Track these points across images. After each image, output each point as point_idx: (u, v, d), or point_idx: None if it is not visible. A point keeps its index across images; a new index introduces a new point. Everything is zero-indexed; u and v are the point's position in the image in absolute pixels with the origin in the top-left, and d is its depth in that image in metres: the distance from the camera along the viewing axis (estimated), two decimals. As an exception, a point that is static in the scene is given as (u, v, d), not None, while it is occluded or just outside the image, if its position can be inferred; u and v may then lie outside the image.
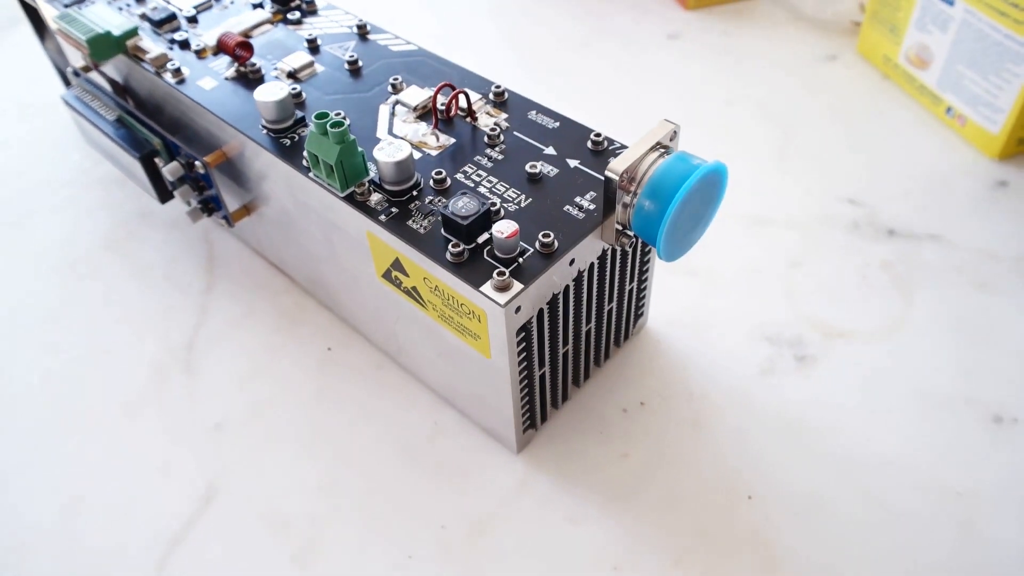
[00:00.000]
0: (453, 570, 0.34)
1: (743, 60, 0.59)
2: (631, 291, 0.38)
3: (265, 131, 0.37)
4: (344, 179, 0.33)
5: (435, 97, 0.36)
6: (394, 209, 0.33)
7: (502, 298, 0.29)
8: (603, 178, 0.30)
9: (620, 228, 0.31)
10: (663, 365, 0.41)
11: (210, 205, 0.44)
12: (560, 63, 0.60)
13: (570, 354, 0.36)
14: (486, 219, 0.31)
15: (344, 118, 0.32)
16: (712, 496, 0.36)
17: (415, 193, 0.33)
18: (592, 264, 0.33)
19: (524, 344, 0.32)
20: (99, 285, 0.47)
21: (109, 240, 0.49)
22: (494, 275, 0.29)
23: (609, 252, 0.34)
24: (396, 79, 0.39)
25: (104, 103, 0.45)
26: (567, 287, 0.32)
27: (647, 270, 0.38)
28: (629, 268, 0.36)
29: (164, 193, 0.44)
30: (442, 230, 0.32)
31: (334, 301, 0.43)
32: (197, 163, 0.41)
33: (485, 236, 0.31)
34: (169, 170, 0.42)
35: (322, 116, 0.33)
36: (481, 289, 0.29)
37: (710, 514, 0.35)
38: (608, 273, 0.35)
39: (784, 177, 0.50)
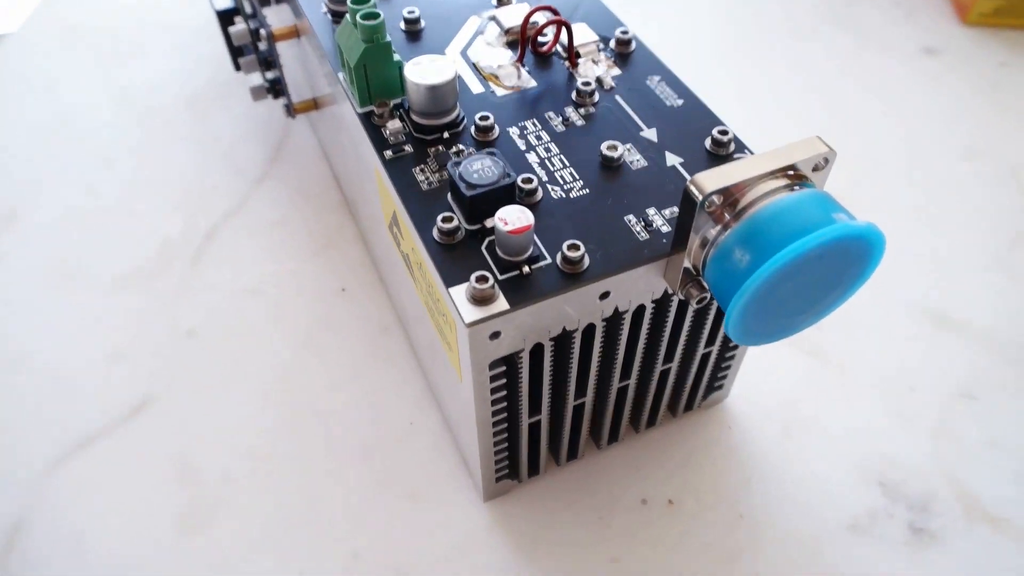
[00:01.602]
0: (342, 617, 0.26)
1: (1013, 105, 0.44)
2: (706, 356, 0.28)
3: (326, 11, 0.29)
4: (366, 90, 0.25)
5: (526, 21, 0.26)
6: (408, 148, 0.24)
7: (471, 313, 0.20)
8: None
9: (691, 271, 0.21)
10: (721, 462, 0.30)
11: (277, 87, 0.38)
12: (769, 46, 0.48)
13: (587, 408, 0.26)
14: (506, 196, 0.22)
15: (374, 8, 0.23)
16: (707, 672, 0.25)
17: (446, 135, 0.25)
18: (643, 307, 0.23)
19: (506, 381, 0.23)
20: (163, 140, 0.43)
21: (195, 98, 0.45)
22: (472, 278, 0.20)
23: (676, 299, 0.23)
24: (505, -12, 0.30)
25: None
26: (592, 327, 0.22)
27: (738, 336, 0.27)
28: (709, 328, 0.26)
29: (237, 59, 0.38)
30: (448, 195, 0.23)
31: (365, 235, 0.36)
32: (262, 31, 0.34)
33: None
34: (235, 33, 0.35)
35: (359, 1, 0.24)
36: (450, 290, 0.20)
37: None
38: (670, 326, 0.24)
39: (1003, 274, 0.36)
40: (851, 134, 0.42)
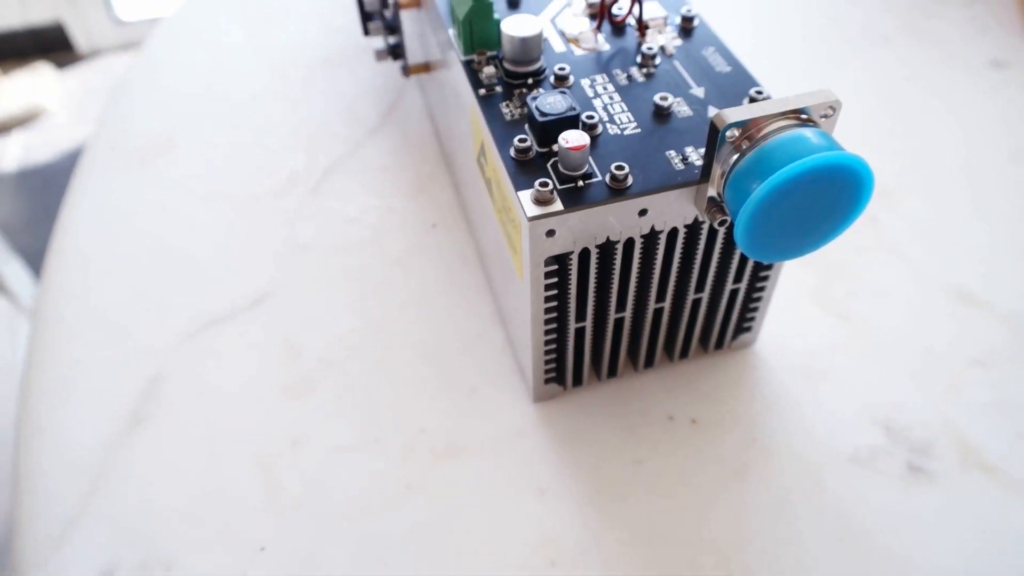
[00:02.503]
0: (402, 474, 0.32)
1: (1075, 117, 0.46)
2: (735, 293, 0.32)
3: (442, -18, 0.35)
4: (470, 41, 0.31)
5: (606, -6, 0.31)
6: (498, 88, 0.30)
7: (532, 210, 0.25)
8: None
9: (715, 199, 0.26)
10: (743, 395, 0.34)
11: (397, 50, 0.44)
12: (842, 49, 0.51)
13: (626, 325, 0.31)
14: (571, 125, 0.27)
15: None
16: (698, 557, 0.29)
17: (531, 82, 0.30)
18: (676, 231, 0.28)
19: (557, 281, 0.28)
20: (296, 93, 0.50)
21: (327, 60, 0.52)
22: (535, 184, 0.25)
23: (706, 228, 0.28)
24: (596, -29, 0.35)
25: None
26: (631, 240, 0.27)
27: (766, 278, 0.31)
28: (736, 263, 0.30)
29: (367, 24, 0.45)
30: (526, 124, 0.28)
31: (457, 184, 0.42)
32: (390, 0, 0.41)
33: (563, 145, 0.27)
34: (368, 1, 0.42)
35: (472, -33, 0.30)
36: (519, 192, 0.26)
37: (680, 573, 0.29)
38: (700, 253, 0.29)
39: (1037, 264, 0.38)
40: (908, 135, 0.45)
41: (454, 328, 0.37)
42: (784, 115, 0.24)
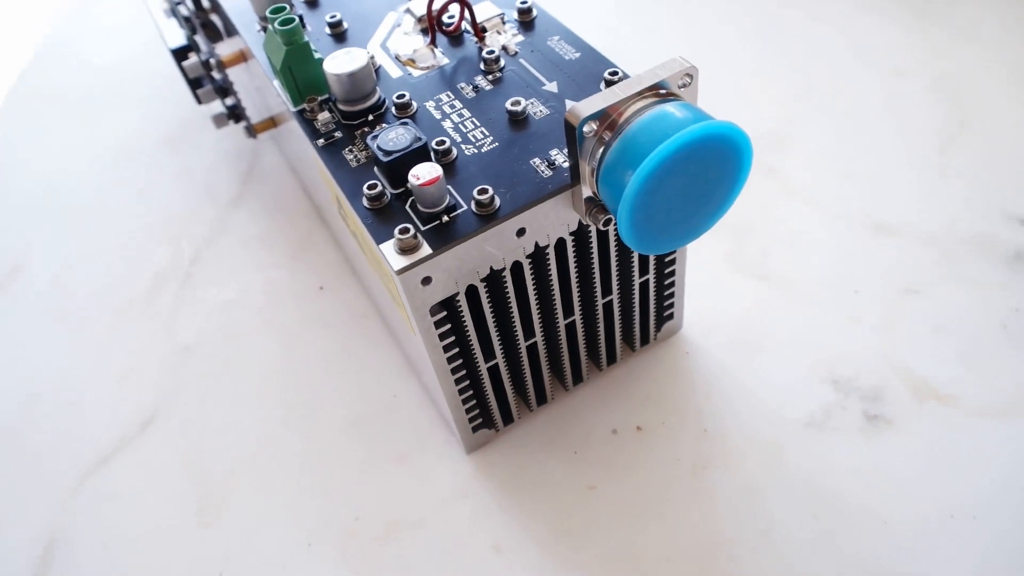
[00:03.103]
0: (348, 570, 0.29)
1: (937, 21, 0.46)
2: (645, 286, 0.30)
3: (259, 28, 0.32)
4: (295, 90, 0.28)
5: (429, 7, 0.29)
6: (338, 133, 0.27)
7: (398, 261, 0.22)
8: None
9: (593, 198, 0.23)
10: (683, 386, 0.32)
11: (236, 111, 0.41)
12: None
13: (540, 348, 0.29)
14: (420, 158, 0.24)
15: (290, 15, 0.26)
16: (683, 568, 0.27)
17: (371, 118, 0.27)
18: (563, 241, 0.25)
19: (451, 326, 0.25)
20: (145, 179, 0.46)
21: (169, 137, 0.48)
22: (395, 232, 0.22)
23: (594, 231, 0.26)
24: (416, -17, 0.32)
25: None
26: (518, 264, 0.25)
27: (672, 260, 0.29)
28: (636, 256, 0.28)
29: (196, 91, 0.41)
30: (374, 167, 0.25)
31: (335, 235, 0.39)
32: (212, 61, 0.37)
33: (418, 181, 0.24)
34: (188, 66, 0.38)
35: (276, 10, 0.27)
36: (380, 246, 0.23)
37: (675, 593, 0.27)
38: (596, 257, 0.26)
39: (937, 177, 0.37)
40: (790, 72, 0.44)
41: (367, 394, 0.34)
42: (641, 95, 0.21)
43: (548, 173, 0.24)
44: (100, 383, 0.36)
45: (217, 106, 0.41)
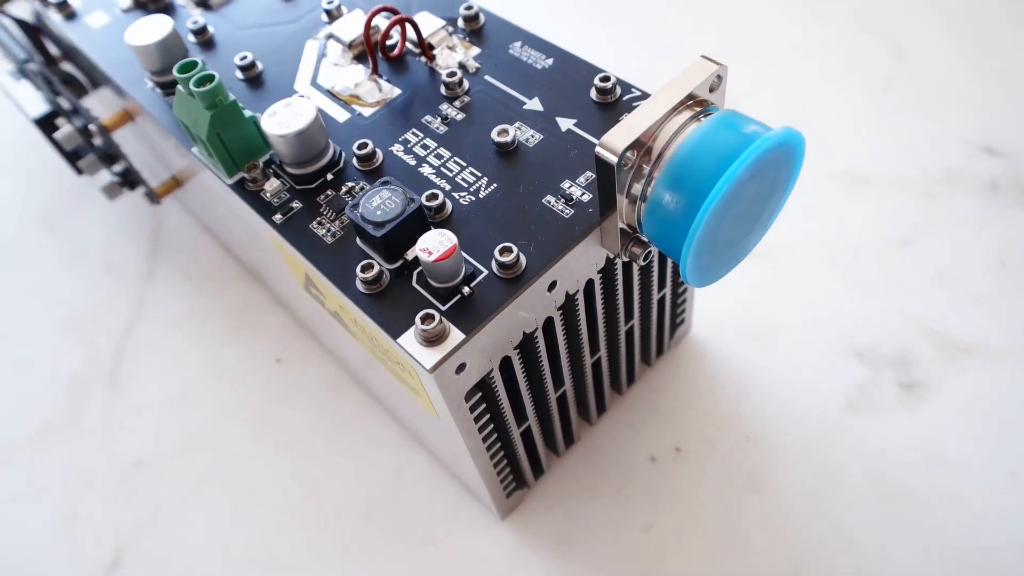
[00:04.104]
0: None
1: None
2: (662, 300, 0.27)
3: (152, 86, 0.27)
4: (229, 159, 0.23)
5: (367, 28, 0.24)
6: (295, 204, 0.22)
7: (429, 357, 0.18)
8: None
9: (628, 231, 0.20)
10: (708, 392, 0.29)
11: (130, 177, 0.35)
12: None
13: (569, 394, 0.26)
14: (417, 223, 0.20)
15: (207, 70, 0.21)
16: (770, 597, 0.25)
17: (330, 177, 0.23)
18: (592, 281, 0.22)
19: (485, 403, 0.21)
20: (27, 272, 0.39)
21: (46, 214, 0.41)
22: (417, 321, 0.19)
23: (619, 261, 0.23)
24: (331, 2, 0.28)
25: (7, 49, 0.36)
26: (549, 319, 0.21)
27: (686, 269, 0.27)
28: (656, 274, 0.25)
29: (76, 163, 0.35)
30: (357, 239, 0.21)
31: (281, 299, 0.34)
32: (92, 127, 0.31)
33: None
34: (63, 137, 0.32)
35: (186, 68, 0.22)
36: (399, 341, 0.19)
37: (767, 624, 0.25)
38: (622, 287, 0.24)
39: (892, 117, 0.37)
40: (740, 18, 0.42)
41: (368, 475, 0.30)
42: (674, 110, 0.18)
43: (568, 212, 0.21)
44: (41, 536, 0.30)
45: (104, 175, 0.35)
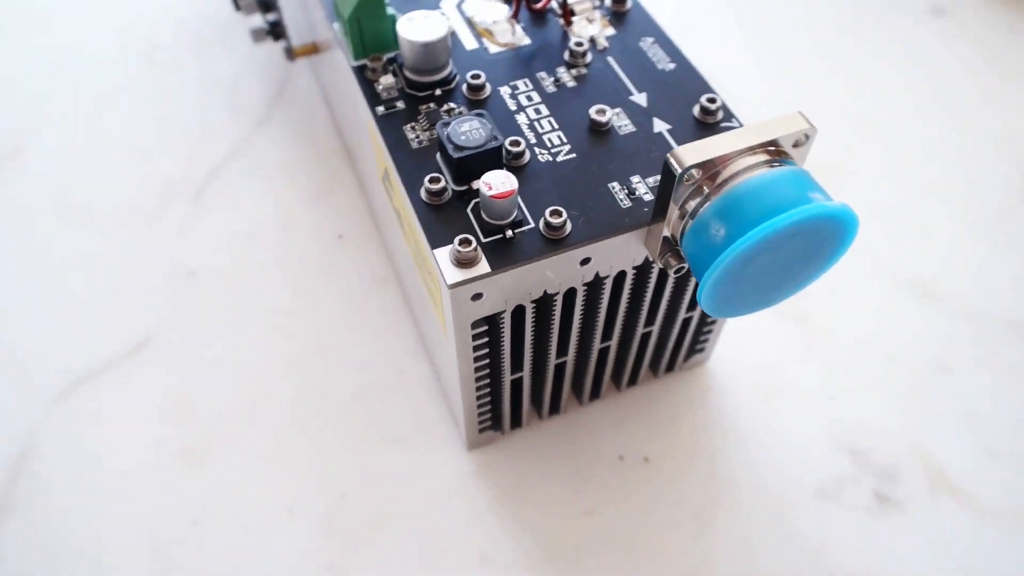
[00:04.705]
0: (323, 553, 0.28)
1: (1015, 75, 0.43)
2: (687, 322, 0.28)
3: (326, -44, 0.29)
4: (360, 44, 0.25)
5: (524, -25, 0.26)
6: (400, 104, 0.24)
7: (453, 275, 0.20)
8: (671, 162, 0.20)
9: (671, 241, 0.21)
10: (699, 423, 0.31)
11: (277, 29, 0.38)
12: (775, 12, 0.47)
13: (569, 367, 0.27)
14: (493, 159, 0.22)
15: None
16: (669, 618, 0.27)
17: (439, 92, 0.25)
18: (624, 273, 0.23)
19: (488, 339, 0.23)
20: (165, 79, 0.43)
21: (198, 36, 0.45)
22: (455, 241, 0.20)
23: (657, 267, 0.24)
24: (507, -60, 0.29)
25: None
26: (573, 290, 0.23)
27: (721, 302, 0.28)
28: (690, 294, 0.26)
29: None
30: (437, 154, 0.23)
31: (362, 183, 0.36)
32: (264, -28, 0.34)
33: (484, 182, 0.22)
34: (236, -29, 0.35)
35: (356, -49, 0.24)
36: (435, 252, 0.21)
37: (656, 639, 0.26)
38: (651, 292, 0.25)
39: (993, 247, 0.36)
40: (853, 92, 0.42)
41: (373, 365, 0.32)
42: (752, 150, 0.19)
43: (627, 203, 0.22)
44: (95, 295, 0.34)
45: (257, 19, 0.38)
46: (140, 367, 0.32)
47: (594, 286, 0.23)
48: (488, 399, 0.27)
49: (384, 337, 0.33)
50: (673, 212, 0.20)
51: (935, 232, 0.36)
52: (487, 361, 0.24)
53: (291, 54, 0.37)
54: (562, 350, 0.26)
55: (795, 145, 0.20)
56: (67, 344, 0.33)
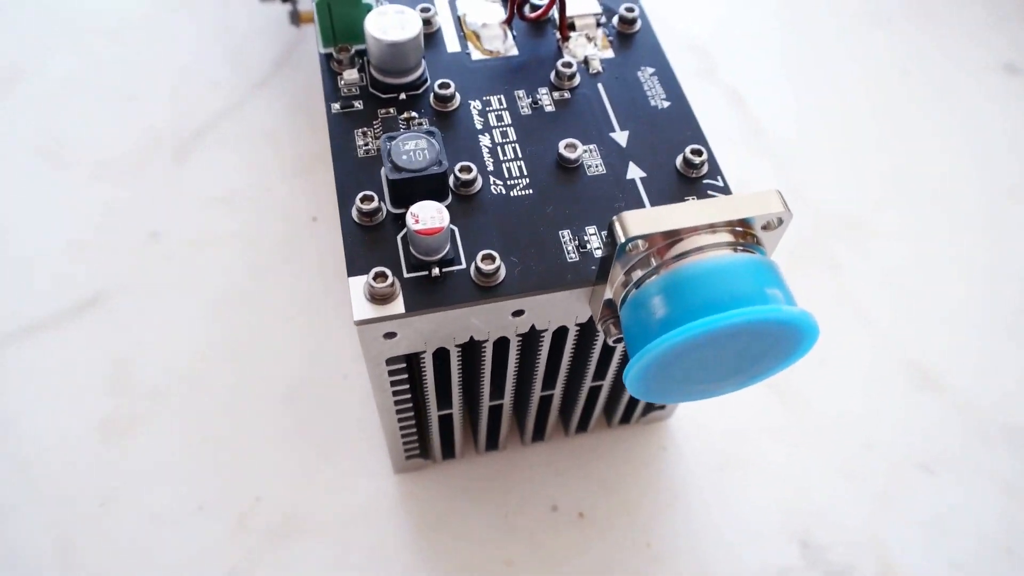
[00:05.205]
0: (227, 555, 0.26)
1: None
2: (644, 378, 0.26)
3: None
4: (330, 30, 0.23)
5: (520, -21, 0.23)
6: (357, 104, 0.22)
7: (362, 311, 0.18)
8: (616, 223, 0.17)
9: (614, 305, 0.19)
10: (645, 484, 0.28)
11: (286, -11, 0.36)
12: (827, 26, 0.43)
13: (506, 409, 0.25)
14: (435, 185, 0.20)
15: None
16: None
17: (402, 97, 0.23)
18: (566, 328, 0.21)
19: (408, 374, 0.21)
20: (173, 14, 0.41)
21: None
22: (371, 272, 0.18)
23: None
24: (519, -66, 0.26)
25: None
26: (505, 340, 0.21)
27: (684, 365, 0.25)
28: (646, 353, 0.24)
29: (251, -49, 0.36)
30: (382, 169, 0.21)
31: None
32: (270, -70, 0.32)
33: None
34: (245, -76, 0.33)
35: (334, -71, 0.22)
36: (350, 280, 0.19)
37: None
38: (598, 350, 0.23)
39: (1013, 339, 0.33)
40: (893, 146, 0.38)
41: (315, 364, 0.31)
42: (715, 228, 0.17)
43: (574, 257, 0.20)
44: (53, 243, 0.33)
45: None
46: (80, 329, 0.31)
47: (530, 338, 0.21)
48: (413, 430, 0.25)
49: (334, 336, 0.31)
50: (618, 275, 0.18)
51: (948, 315, 0.33)
52: (407, 396, 0.22)
53: (296, 19, 0.35)
54: (497, 393, 0.24)
55: (765, 227, 0.18)
56: (10, 293, 0.32)
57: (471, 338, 0.20)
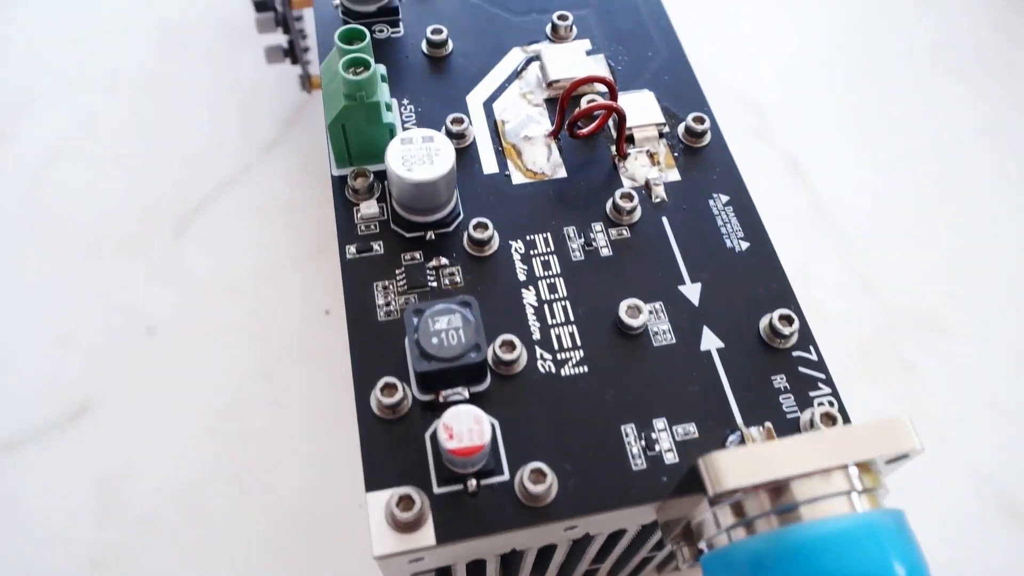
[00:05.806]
0: None
1: None
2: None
3: (339, 6, 0.23)
4: (345, 152, 0.19)
5: (568, 92, 0.20)
6: (376, 246, 0.19)
7: (384, 543, 0.15)
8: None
9: (691, 529, 0.16)
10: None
11: (294, 52, 0.32)
12: (898, 76, 0.39)
13: (547, 580, 0.22)
14: (472, 374, 0.16)
15: (367, 54, 0.17)
16: None
17: (430, 236, 0.19)
18: (623, 531, 0.18)
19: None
20: (177, 69, 0.38)
21: (226, 28, 0.39)
22: (395, 495, 0.15)
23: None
24: (565, 18, 0.23)
25: None
26: (552, 546, 0.17)
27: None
28: (713, 529, 0.20)
29: (259, 6, 0.32)
30: (405, 342, 0.17)
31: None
32: (279, -7, 0.28)
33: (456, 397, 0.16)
34: (252, -17, 0.29)
35: (349, 36, 0.18)
36: (369, 497, 0.15)
37: None
38: (650, 543, 0.19)
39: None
40: (963, 224, 0.34)
41: (333, 486, 0.27)
42: (828, 472, 0.13)
43: (640, 463, 0.16)
44: (39, 343, 0.30)
45: (276, 37, 0.33)
46: (70, 441, 0.28)
47: (580, 541, 0.18)
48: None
49: (351, 455, 0.28)
50: (703, 514, 0.15)
51: (1042, 432, 0.29)
52: (436, 588, 0.19)
53: (308, 84, 0.31)
54: None
55: (889, 462, 0.14)
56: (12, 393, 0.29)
57: (513, 550, 0.17)
